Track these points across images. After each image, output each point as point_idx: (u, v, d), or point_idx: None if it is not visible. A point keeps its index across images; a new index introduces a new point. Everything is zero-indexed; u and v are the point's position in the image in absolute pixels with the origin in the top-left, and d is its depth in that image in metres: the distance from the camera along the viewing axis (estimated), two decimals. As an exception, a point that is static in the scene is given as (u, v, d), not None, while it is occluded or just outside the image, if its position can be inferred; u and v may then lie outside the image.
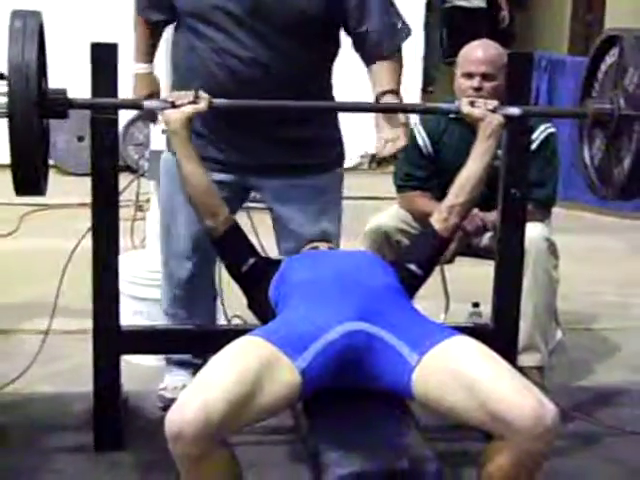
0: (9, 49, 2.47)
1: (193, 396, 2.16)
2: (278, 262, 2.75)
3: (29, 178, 2.58)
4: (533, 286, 3.35)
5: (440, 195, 3.60)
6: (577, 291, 4.60)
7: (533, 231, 3.17)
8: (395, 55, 3.12)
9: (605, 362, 3.92)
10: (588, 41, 8.95)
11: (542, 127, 3.53)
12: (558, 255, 3.47)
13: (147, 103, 2.82)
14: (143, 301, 3.75)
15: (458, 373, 2.27)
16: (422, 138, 3.68)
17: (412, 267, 2.70)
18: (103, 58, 2.78)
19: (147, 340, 3.07)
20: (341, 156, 3.28)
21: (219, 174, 3.05)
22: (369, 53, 3.11)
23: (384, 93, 3.07)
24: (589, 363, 3.89)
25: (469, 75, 3.52)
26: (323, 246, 2.94)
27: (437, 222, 2.75)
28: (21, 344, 3.80)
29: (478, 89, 3.48)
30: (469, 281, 3.96)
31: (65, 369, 3.58)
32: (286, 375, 2.30)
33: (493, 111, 2.77)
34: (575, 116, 3.01)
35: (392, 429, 2.38)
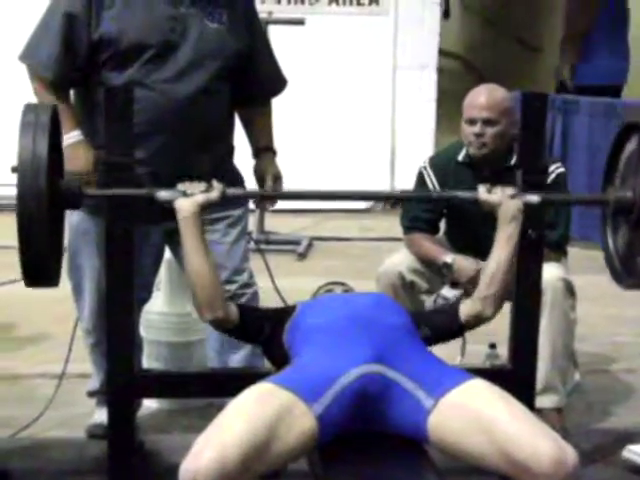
0: (19, 142, 2.45)
1: (208, 445, 2.14)
2: (292, 308, 2.74)
3: (38, 272, 2.55)
4: (550, 327, 3.33)
5: (449, 240, 3.62)
6: (594, 332, 4.57)
7: (548, 271, 3.14)
8: (271, 102, 3.40)
9: (624, 404, 3.88)
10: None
11: (552, 167, 3.51)
12: (575, 294, 3.45)
13: (159, 195, 2.68)
14: (155, 344, 3.74)
15: (475, 418, 2.25)
16: (431, 181, 3.66)
17: (426, 330, 2.67)
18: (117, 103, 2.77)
19: (162, 384, 3.05)
20: None
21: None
22: (256, 96, 3.31)
23: (262, 149, 3.33)
24: (608, 405, 3.86)
25: (471, 121, 3.49)
26: (338, 288, 2.93)
27: (467, 313, 2.67)
28: (36, 388, 3.79)
29: (480, 135, 3.46)
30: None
31: (80, 413, 3.56)
32: (303, 422, 2.28)
33: (512, 198, 2.69)
34: (597, 203, 2.95)
35: (409, 473, 2.35)
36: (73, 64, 3.07)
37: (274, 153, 3.38)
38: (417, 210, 3.70)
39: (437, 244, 3.63)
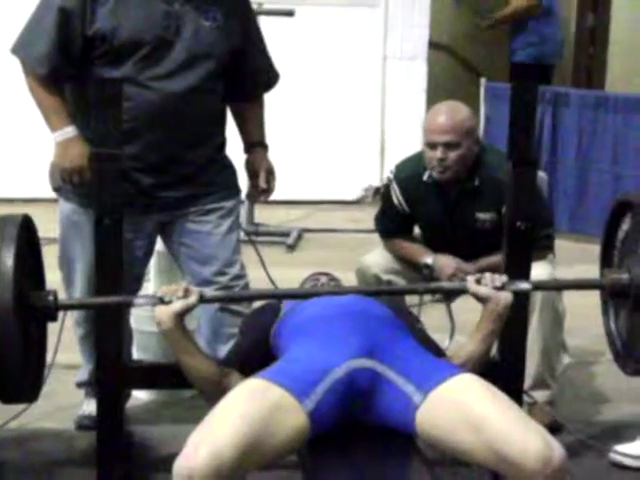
0: None
1: (202, 443, 2.14)
2: (277, 308, 2.75)
3: (12, 391, 2.50)
4: (540, 325, 3.34)
5: (425, 244, 3.60)
6: (584, 324, 4.56)
7: (538, 272, 3.10)
8: (263, 97, 3.40)
9: (614, 395, 3.89)
10: (591, 74, 8.97)
11: None
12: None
13: (137, 302, 2.63)
14: (147, 335, 3.73)
15: (463, 413, 2.26)
16: (397, 197, 3.59)
17: None
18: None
19: (150, 375, 3.05)
20: None
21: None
22: (248, 90, 3.31)
23: (254, 144, 3.32)
24: (597, 396, 3.87)
25: (432, 145, 3.39)
26: (323, 278, 2.94)
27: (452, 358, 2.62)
28: (24, 379, 3.78)
29: (442, 159, 3.36)
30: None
31: (69, 404, 3.56)
32: (294, 418, 2.29)
33: (502, 288, 2.59)
34: (592, 288, 2.83)
35: (399, 467, 2.35)
36: (67, 59, 3.05)
37: (266, 148, 3.37)
38: (387, 222, 3.67)
39: (415, 245, 3.61)
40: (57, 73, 3.06)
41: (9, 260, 2.40)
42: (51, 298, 2.57)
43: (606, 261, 2.85)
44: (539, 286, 2.79)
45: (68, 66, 3.06)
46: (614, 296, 2.74)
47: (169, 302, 2.52)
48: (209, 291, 2.77)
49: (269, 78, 3.38)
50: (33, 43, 3.05)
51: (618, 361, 2.81)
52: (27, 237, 2.58)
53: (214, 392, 2.50)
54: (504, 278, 2.61)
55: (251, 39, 3.27)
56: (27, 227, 2.58)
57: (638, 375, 2.77)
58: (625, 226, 2.77)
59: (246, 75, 3.27)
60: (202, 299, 2.57)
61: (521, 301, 2.91)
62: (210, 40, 3.10)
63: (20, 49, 3.09)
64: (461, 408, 2.27)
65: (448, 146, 3.36)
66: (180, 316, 2.53)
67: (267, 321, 2.73)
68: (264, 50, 3.35)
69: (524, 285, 2.66)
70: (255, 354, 2.67)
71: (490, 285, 2.58)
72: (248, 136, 3.37)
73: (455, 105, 3.47)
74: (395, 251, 3.61)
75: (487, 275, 2.60)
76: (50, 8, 3.03)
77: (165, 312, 2.51)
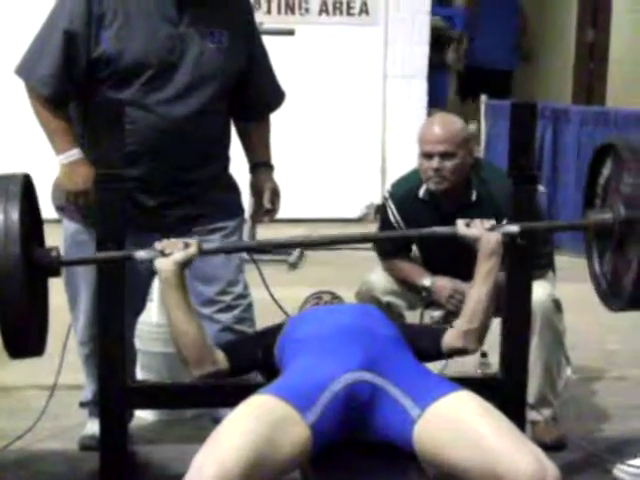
0: None
1: (209, 461, 2.16)
2: (281, 324, 2.76)
3: (19, 344, 2.55)
4: (541, 345, 3.35)
5: (423, 265, 3.60)
6: (585, 340, 4.57)
7: (537, 292, 3.10)
8: (269, 117, 3.38)
9: (616, 412, 3.88)
10: (591, 90, 9.00)
11: None
12: (562, 309, 3.44)
13: (138, 255, 2.68)
14: (149, 355, 3.73)
15: (459, 430, 2.28)
16: (393, 215, 3.57)
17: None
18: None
19: (153, 395, 3.05)
20: None
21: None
22: (253, 110, 3.31)
23: (259, 164, 3.31)
24: (600, 413, 3.86)
25: (428, 155, 3.38)
26: (326, 297, 2.95)
27: (449, 346, 2.69)
28: (27, 400, 3.79)
29: (438, 170, 3.36)
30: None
31: (72, 425, 3.56)
32: (297, 432, 2.31)
33: (490, 230, 2.70)
34: (577, 229, 2.92)
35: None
36: (71, 81, 3.04)
37: (271, 168, 3.37)
38: (387, 243, 3.66)
39: (414, 267, 3.60)
40: (61, 95, 3.06)
41: (15, 217, 2.45)
42: (54, 254, 2.63)
43: (588, 205, 2.89)
44: (527, 229, 2.80)
45: (72, 88, 3.06)
46: (598, 236, 2.79)
47: (169, 254, 2.60)
48: (208, 244, 2.79)
49: (274, 99, 3.37)
50: (37, 64, 3.05)
51: (605, 301, 2.84)
52: (28, 195, 2.60)
53: (194, 356, 2.60)
54: (492, 222, 2.72)
55: (256, 60, 3.27)
56: (28, 185, 2.60)
57: (624, 311, 2.81)
58: (606, 170, 2.81)
59: (251, 96, 3.27)
60: (202, 251, 2.66)
61: (523, 315, 2.92)
62: (215, 62, 3.10)
63: (24, 70, 3.09)
64: (456, 425, 2.29)
65: (444, 156, 3.36)
66: (180, 266, 2.60)
67: (271, 333, 2.76)
68: (270, 71, 3.34)
69: (512, 227, 2.74)
70: (249, 353, 2.73)
71: (479, 227, 2.70)
72: (253, 156, 3.37)
73: (448, 117, 3.50)
74: (393, 273, 3.61)
75: (476, 220, 2.73)
76: (54, 30, 3.03)
77: (166, 262, 2.59)
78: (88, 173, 3.04)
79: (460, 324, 2.69)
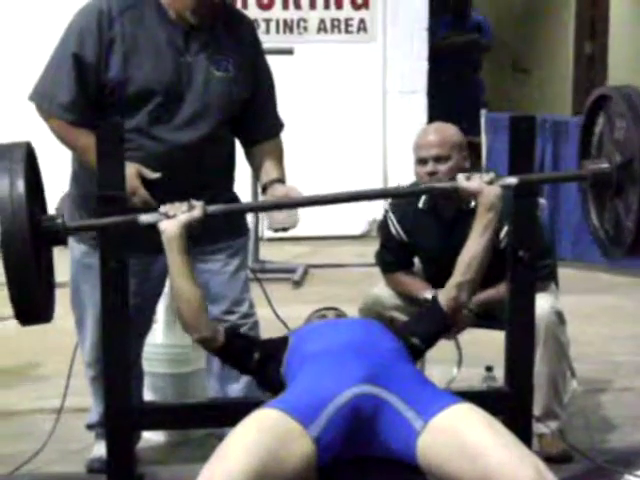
0: None
1: (216, 473, 2.19)
2: (284, 340, 2.76)
3: (29, 310, 2.57)
4: (546, 357, 3.36)
5: (426, 278, 3.60)
6: (590, 351, 4.57)
7: (541, 303, 3.12)
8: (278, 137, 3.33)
9: (623, 423, 3.88)
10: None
11: None
12: (565, 320, 3.45)
13: (142, 218, 2.71)
14: (158, 377, 3.73)
15: (460, 443, 2.29)
16: (394, 227, 3.59)
17: (415, 341, 2.73)
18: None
19: (159, 416, 3.05)
20: None
21: None
22: (254, 137, 3.27)
23: (272, 181, 3.20)
24: (606, 424, 3.86)
25: (422, 161, 3.41)
26: (330, 313, 2.96)
27: (445, 300, 2.75)
28: (34, 424, 3.79)
29: (433, 173, 3.37)
30: (482, 345, 3.94)
31: (79, 448, 3.56)
32: (301, 445, 2.33)
33: (490, 183, 2.75)
34: (574, 180, 2.96)
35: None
36: (89, 105, 3.06)
37: (284, 184, 3.28)
38: (388, 255, 3.66)
39: (416, 280, 3.60)
40: (84, 118, 3.06)
41: (21, 184, 2.46)
42: (60, 221, 2.64)
43: (585, 155, 2.91)
44: (525, 180, 2.82)
45: (92, 111, 3.07)
46: (596, 186, 2.79)
47: (174, 217, 2.64)
48: (213, 206, 2.79)
49: (271, 128, 3.33)
50: (56, 92, 3.06)
51: (605, 252, 2.86)
52: (31, 162, 2.60)
53: (193, 321, 2.67)
54: (492, 175, 2.77)
55: (261, 88, 3.27)
56: (30, 153, 2.60)
57: (622, 258, 2.84)
58: (601, 120, 2.83)
59: (250, 122, 3.26)
60: (206, 213, 2.69)
61: (527, 326, 2.92)
62: (221, 90, 3.12)
63: (42, 99, 3.09)
64: (459, 437, 2.31)
65: (438, 160, 3.38)
66: (185, 228, 2.63)
67: (274, 346, 2.78)
68: (272, 99, 3.33)
69: (511, 180, 2.78)
70: (245, 346, 2.76)
71: (479, 181, 2.75)
72: (262, 176, 3.27)
73: (442, 124, 3.54)
74: (396, 287, 3.62)
75: (475, 174, 2.80)
76: (65, 55, 3.05)
77: (170, 224, 2.63)
78: (129, 172, 2.97)
79: (453, 277, 2.76)
